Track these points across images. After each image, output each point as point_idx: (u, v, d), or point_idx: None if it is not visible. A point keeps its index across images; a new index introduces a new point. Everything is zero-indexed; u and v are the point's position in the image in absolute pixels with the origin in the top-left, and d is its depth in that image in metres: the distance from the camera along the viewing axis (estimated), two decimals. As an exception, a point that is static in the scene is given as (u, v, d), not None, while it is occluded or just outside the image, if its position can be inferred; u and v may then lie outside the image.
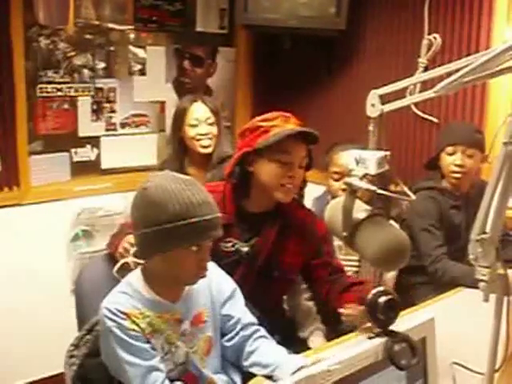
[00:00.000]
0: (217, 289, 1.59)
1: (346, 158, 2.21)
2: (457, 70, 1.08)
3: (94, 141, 3.14)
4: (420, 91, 1.23)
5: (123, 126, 3.23)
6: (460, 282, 2.13)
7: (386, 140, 1.22)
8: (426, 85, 1.23)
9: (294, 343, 1.94)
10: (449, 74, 1.10)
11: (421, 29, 2.78)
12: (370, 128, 1.23)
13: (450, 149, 2.38)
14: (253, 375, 1.52)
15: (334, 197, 2.24)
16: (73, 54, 2.98)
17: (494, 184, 1.12)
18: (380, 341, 1.00)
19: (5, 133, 2.76)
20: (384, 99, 1.22)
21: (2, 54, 2.70)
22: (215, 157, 2.69)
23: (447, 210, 2.41)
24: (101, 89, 3.11)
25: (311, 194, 2.30)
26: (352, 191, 1.22)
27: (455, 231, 2.38)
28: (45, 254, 2.87)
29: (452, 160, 2.37)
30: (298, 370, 1.39)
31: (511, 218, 2.22)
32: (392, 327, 1.03)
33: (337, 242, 2.25)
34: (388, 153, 1.20)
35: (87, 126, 3.10)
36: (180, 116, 2.72)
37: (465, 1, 2.65)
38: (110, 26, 3.10)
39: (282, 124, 1.79)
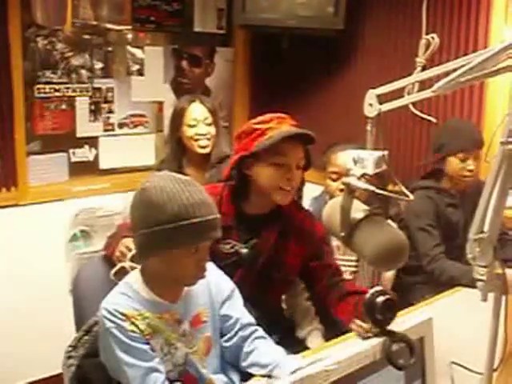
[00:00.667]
0: (216, 289, 1.59)
1: (344, 158, 2.21)
2: (454, 70, 1.08)
3: (92, 141, 3.14)
4: (418, 91, 1.23)
5: (121, 126, 3.23)
6: (457, 282, 2.13)
7: (384, 140, 1.22)
8: (423, 84, 1.23)
9: (293, 343, 1.94)
10: (447, 74, 1.10)
11: (419, 28, 2.78)
12: (368, 128, 1.23)
13: (462, 154, 2.37)
14: (251, 375, 1.52)
15: (331, 197, 2.24)
16: (71, 54, 2.98)
17: (491, 183, 1.12)
18: (378, 341, 1.00)
19: (3, 133, 2.76)
20: (382, 99, 1.22)
21: (0, 55, 2.70)
22: (214, 157, 2.68)
23: (444, 209, 2.42)
24: (99, 89, 3.11)
25: (309, 193, 2.30)
26: (350, 191, 1.22)
27: (452, 229, 2.38)
28: (43, 255, 2.87)
29: (465, 165, 2.37)
30: (297, 370, 1.39)
31: (509, 218, 2.23)
32: (390, 327, 1.03)
33: (335, 242, 2.25)
34: (386, 152, 1.20)
35: (85, 126, 3.09)
36: (178, 116, 2.71)
37: (463, 0, 2.65)
38: (108, 26, 3.10)
39: (277, 126, 1.79)
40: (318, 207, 2.30)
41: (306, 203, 2.32)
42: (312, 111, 3.34)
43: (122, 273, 1.67)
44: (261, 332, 1.62)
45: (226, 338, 1.60)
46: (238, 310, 1.61)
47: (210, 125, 2.69)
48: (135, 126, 3.29)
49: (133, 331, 1.40)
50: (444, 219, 2.40)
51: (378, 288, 1.07)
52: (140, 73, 3.25)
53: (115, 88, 3.17)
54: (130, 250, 1.74)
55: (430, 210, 2.39)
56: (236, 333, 1.59)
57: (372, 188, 1.16)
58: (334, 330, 2.02)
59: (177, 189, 1.39)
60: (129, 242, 1.78)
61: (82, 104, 3.06)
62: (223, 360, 1.61)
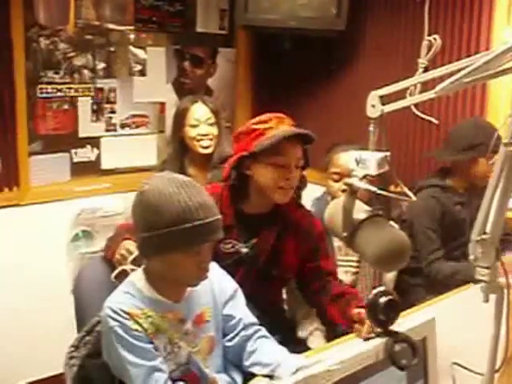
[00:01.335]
0: (219, 288, 1.59)
1: (346, 158, 2.22)
2: (457, 71, 1.08)
3: (94, 141, 3.15)
4: (420, 92, 1.23)
5: (123, 126, 3.24)
6: (453, 279, 2.15)
7: (386, 140, 1.22)
8: (425, 85, 1.23)
9: (294, 343, 1.94)
10: (449, 75, 1.10)
11: (421, 29, 2.79)
12: (371, 129, 1.23)
13: (491, 155, 2.35)
14: (254, 376, 1.52)
15: (333, 198, 2.24)
16: (73, 54, 2.99)
17: (494, 184, 1.12)
18: (381, 341, 1.00)
19: (5, 133, 2.77)
20: (384, 100, 1.23)
21: (3, 55, 2.70)
22: (216, 157, 2.69)
23: (451, 207, 2.42)
24: (101, 89, 3.12)
25: (311, 194, 2.30)
26: (352, 192, 1.22)
27: (459, 227, 2.38)
28: (45, 255, 2.87)
29: (491, 166, 2.35)
30: (299, 369, 1.39)
31: (511, 219, 2.22)
32: (392, 327, 1.03)
33: (336, 243, 2.25)
34: (388, 153, 1.20)
35: (87, 126, 3.10)
36: (180, 116, 2.72)
37: (465, 2, 2.65)
38: (111, 26, 3.11)
39: (276, 126, 1.79)
40: (319, 208, 2.29)
41: (308, 204, 2.32)
42: (313, 112, 3.34)
43: (123, 275, 1.68)
44: (263, 332, 1.62)
45: (228, 337, 1.60)
46: (240, 309, 1.62)
47: (212, 125, 2.70)
48: (137, 127, 3.29)
49: (136, 330, 1.40)
50: (450, 217, 2.40)
51: (381, 288, 1.07)
52: (142, 73, 3.25)
53: (117, 88, 3.17)
54: (130, 253, 1.74)
55: (434, 210, 2.39)
56: (239, 332, 1.59)
57: (374, 189, 1.16)
58: (335, 330, 2.03)
59: (175, 192, 1.38)
60: (129, 244, 1.78)
61: (84, 104, 3.07)
62: (226, 360, 1.61)
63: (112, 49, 3.13)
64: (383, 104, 1.21)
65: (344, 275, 2.27)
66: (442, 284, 2.23)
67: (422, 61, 2.77)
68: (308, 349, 1.95)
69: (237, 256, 1.85)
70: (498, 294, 1.15)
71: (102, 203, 3.06)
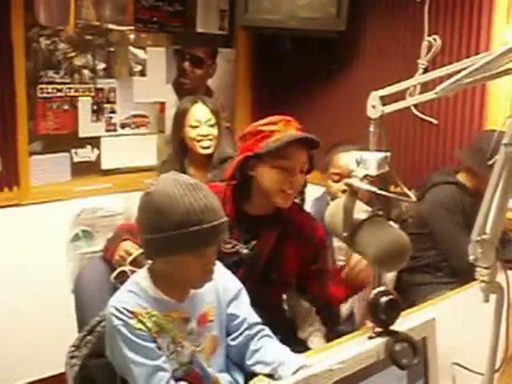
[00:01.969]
0: (223, 288, 1.59)
1: (346, 159, 2.22)
2: (457, 72, 1.08)
3: (95, 141, 3.15)
4: (420, 92, 1.24)
5: (123, 126, 3.24)
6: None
7: (387, 141, 1.22)
8: (425, 86, 1.23)
9: (294, 343, 1.94)
10: (449, 76, 1.11)
11: (421, 30, 2.79)
12: (371, 129, 1.23)
13: None
14: (255, 375, 1.52)
15: (333, 198, 2.25)
16: (73, 54, 2.99)
17: (494, 185, 1.12)
18: (381, 340, 1.00)
19: (5, 133, 2.77)
20: (384, 100, 1.23)
21: (3, 55, 2.71)
22: (216, 157, 2.69)
23: (468, 207, 2.41)
24: (101, 89, 3.12)
25: (311, 194, 2.30)
26: (353, 192, 1.22)
27: (471, 227, 2.37)
28: (45, 255, 2.88)
29: None
30: (300, 368, 1.39)
31: (511, 220, 2.23)
32: (393, 327, 1.04)
33: (337, 243, 2.26)
34: (388, 154, 1.20)
35: (87, 126, 3.10)
36: (181, 117, 2.72)
37: (465, 2, 2.66)
38: (111, 26, 3.11)
39: (283, 129, 1.78)
40: (319, 208, 2.30)
41: (308, 204, 2.32)
42: (314, 112, 3.35)
43: (123, 276, 1.68)
44: (267, 331, 1.62)
45: (232, 336, 1.60)
46: (244, 309, 1.61)
47: (212, 126, 2.70)
48: (137, 127, 3.29)
49: (140, 329, 1.40)
50: (468, 217, 2.40)
51: (382, 288, 1.07)
52: (142, 73, 3.26)
53: (117, 88, 3.18)
54: (129, 254, 1.74)
55: (459, 205, 2.38)
56: (243, 332, 1.59)
57: (374, 189, 1.17)
58: (335, 330, 2.04)
59: (181, 194, 1.37)
60: (128, 245, 1.78)
61: (85, 104, 3.07)
62: (228, 359, 1.62)
63: (112, 49, 3.14)
64: (383, 104, 1.22)
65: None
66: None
67: (422, 61, 2.77)
68: (308, 349, 1.95)
69: (237, 256, 1.84)
70: (498, 293, 1.16)
71: (102, 203, 3.07)
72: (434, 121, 2.80)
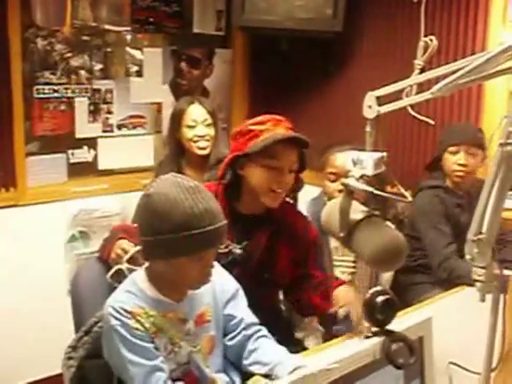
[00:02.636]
0: (220, 288, 1.59)
1: (342, 159, 2.23)
2: (453, 72, 1.09)
3: (91, 142, 3.14)
4: (416, 93, 1.24)
5: (120, 127, 3.24)
6: (466, 281, 2.13)
7: (384, 141, 1.23)
8: (422, 86, 1.23)
9: (291, 344, 1.94)
10: (445, 76, 1.11)
11: (417, 31, 2.80)
12: (367, 129, 1.24)
13: (453, 148, 2.41)
14: (252, 375, 1.52)
15: (329, 198, 2.25)
16: (70, 55, 2.99)
17: (490, 184, 1.12)
18: (378, 340, 1.00)
19: (2, 134, 2.77)
20: (380, 100, 1.23)
21: (-1, 55, 2.70)
22: (212, 158, 2.69)
23: (452, 209, 2.43)
24: (98, 90, 3.12)
25: (307, 195, 2.31)
26: (349, 192, 1.22)
27: (460, 230, 2.38)
28: (42, 255, 2.87)
29: (455, 159, 2.40)
30: (296, 368, 1.40)
31: (507, 219, 2.23)
32: (389, 327, 1.04)
33: (333, 244, 2.26)
34: (385, 154, 1.20)
35: (84, 127, 3.10)
36: (177, 117, 2.72)
37: (461, 3, 2.67)
38: (107, 27, 3.11)
39: (272, 128, 1.78)
40: (316, 208, 2.30)
41: (304, 204, 2.33)
42: (310, 113, 3.35)
43: (119, 275, 1.68)
44: (264, 331, 1.62)
45: (229, 336, 1.60)
46: (242, 309, 1.62)
47: (209, 126, 2.70)
48: (134, 127, 3.29)
49: (137, 329, 1.40)
50: (452, 219, 2.41)
51: (378, 288, 1.07)
52: (139, 74, 3.25)
53: (114, 89, 3.17)
54: (125, 252, 1.74)
55: (439, 209, 2.40)
56: (240, 332, 1.59)
57: (371, 189, 1.17)
58: (331, 331, 2.04)
59: (181, 197, 1.37)
60: (124, 243, 1.78)
61: (81, 105, 3.07)
62: (225, 359, 1.62)
63: (109, 49, 3.13)
64: (380, 105, 1.22)
65: (341, 275, 2.28)
66: (453, 282, 2.21)
67: (418, 62, 2.77)
68: (305, 349, 1.95)
69: (230, 256, 1.84)
70: (494, 293, 1.16)
71: (99, 204, 3.07)
72: (431, 121, 2.81)
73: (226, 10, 3.51)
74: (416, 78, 1.23)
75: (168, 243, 1.37)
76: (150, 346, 1.42)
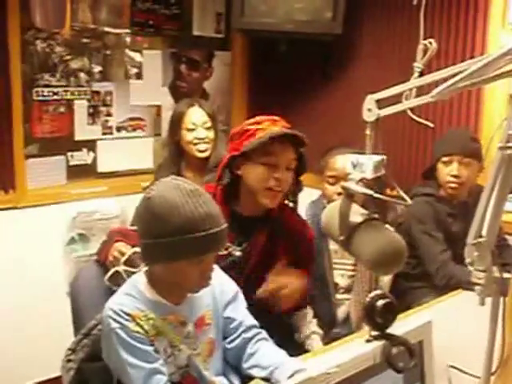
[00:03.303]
0: (220, 291, 1.59)
1: (342, 161, 2.22)
2: (453, 75, 1.09)
3: (91, 144, 3.14)
4: (416, 96, 1.24)
5: (119, 129, 3.24)
6: (466, 286, 2.12)
7: (383, 144, 1.23)
8: (421, 89, 1.23)
9: (292, 347, 1.94)
10: (445, 79, 1.11)
11: (416, 33, 2.80)
12: (367, 132, 1.23)
13: (445, 159, 2.37)
14: (251, 379, 1.52)
15: (329, 201, 2.24)
16: (69, 57, 2.99)
17: (490, 188, 1.12)
18: (378, 344, 1.00)
19: (1, 136, 2.77)
20: (380, 104, 1.23)
21: (-1, 58, 2.70)
22: (212, 161, 2.69)
23: (444, 217, 2.40)
24: (97, 92, 3.12)
25: (307, 198, 2.31)
26: (349, 195, 1.22)
27: (451, 239, 2.36)
28: (41, 258, 2.87)
29: (448, 170, 2.36)
30: (296, 372, 1.39)
31: (507, 223, 2.23)
32: (389, 330, 1.04)
33: (332, 246, 2.26)
34: (385, 157, 1.20)
35: (83, 129, 3.10)
36: (177, 120, 2.72)
37: (460, 5, 2.67)
38: (107, 29, 3.11)
39: (268, 127, 1.79)
40: (315, 211, 2.30)
41: (304, 207, 2.32)
42: (310, 115, 3.35)
43: (117, 277, 1.68)
44: (264, 334, 1.62)
45: (229, 339, 1.60)
46: (241, 312, 1.62)
47: (208, 129, 2.70)
48: (133, 130, 3.29)
49: (137, 332, 1.40)
50: (443, 227, 2.39)
51: (378, 292, 1.07)
52: (138, 76, 3.26)
53: (114, 91, 3.18)
54: (123, 255, 1.75)
55: (430, 216, 2.38)
56: (239, 335, 1.59)
57: (370, 192, 1.17)
58: (331, 334, 2.03)
59: (181, 201, 1.36)
60: (121, 246, 1.78)
61: (81, 107, 3.07)
62: (225, 362, 1.62)
63: (108, 52, 3.14)
64: (379, 108, 1.22)
65: (340, 278, 2.27)
66: (452, 288, 2.19)
67: (418, 65, 2.77)
68: (305, 352, 1.95)
69: (230, 259, 1.84)
70: (494, 297, 1.16)
71: (99, 206, 3.06)
72: (430, 124, 2.81)
73: (225, 12, 3.52)
74: (416, 81, 1.23)
75: (168, 247, 1.36)
76: (150, 348, 1.42)
